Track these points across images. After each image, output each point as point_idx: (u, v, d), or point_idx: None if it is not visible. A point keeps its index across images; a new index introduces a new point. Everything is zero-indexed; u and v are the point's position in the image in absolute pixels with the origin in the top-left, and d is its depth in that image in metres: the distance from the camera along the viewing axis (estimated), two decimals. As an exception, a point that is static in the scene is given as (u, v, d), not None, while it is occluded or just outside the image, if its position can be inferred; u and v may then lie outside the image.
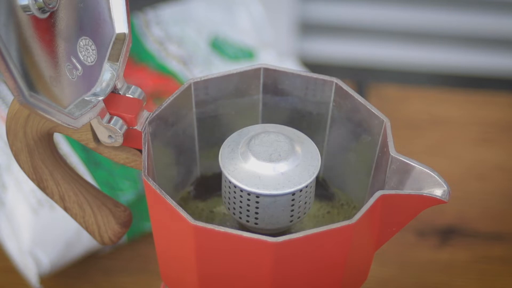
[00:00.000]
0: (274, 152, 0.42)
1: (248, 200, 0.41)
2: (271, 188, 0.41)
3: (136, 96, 0.43)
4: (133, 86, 0.43)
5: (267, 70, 0.45)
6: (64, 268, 0.59)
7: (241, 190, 0.41)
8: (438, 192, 0.41)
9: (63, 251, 0.58)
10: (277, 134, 0.42)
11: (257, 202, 0.41)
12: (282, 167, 0.41)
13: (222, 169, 0.42)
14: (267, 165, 0.41)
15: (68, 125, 0.39)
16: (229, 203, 0.43)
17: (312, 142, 0.43)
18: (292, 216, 0.42)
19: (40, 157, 0.44)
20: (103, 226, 0.47)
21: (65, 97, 0.39)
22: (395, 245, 0.61)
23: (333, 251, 0.40)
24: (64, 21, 0.39)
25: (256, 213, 0.42)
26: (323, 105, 0.45)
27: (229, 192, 0.42)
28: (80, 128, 0.40)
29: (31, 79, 0.37)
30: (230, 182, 0.41)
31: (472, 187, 0.66)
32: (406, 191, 0.41)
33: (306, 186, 0.41)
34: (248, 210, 0.42)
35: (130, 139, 0.43)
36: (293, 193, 0.41)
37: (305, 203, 0.42)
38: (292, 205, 0.42)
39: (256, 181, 0.41)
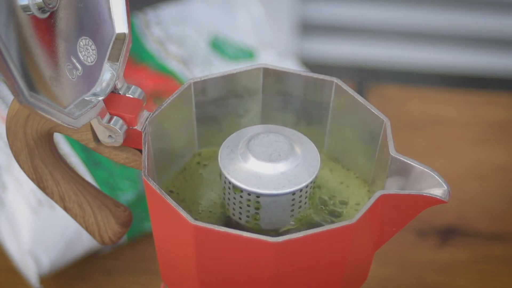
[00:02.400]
0: (274, 152, 0.42)
1: (248, 200, 0.41)
2: (271, 188, 0.41)
3: (136, 96, 0.43)
4: (133, 86, 0.43)
5: (267, 70, 0.45)
6: (64, 268, 0.59)
7: (241, 190, 0.41)
8: (438, 192, 0.41)
9: (63, 251, 0.58)
10: (277, 135, 0.42)
11: (257, 202, 0.41)
12: (282, 167, 0.41)
13: (222, 169, 0.42)
14: (267, 165, 0.41)
15: (68, 125, 0.39)
16: (228, 204, 0.43)
17: (312, 143, 0.43)
18: (292, 216, 0.42)
19: (40, 157, 0.44)
20: (103, 226, 0.47)
21: (65, 97, 0.39)
22: (395, 245, 0.61)
23: (333, 251, 0.40)
24: (64, 21, 0.39)
25: (256, 213, 0.42)
26: (323, 105, 0.45)
27: (229, 193, 0.42)
28: (80, 128, 0.40)
29: (31, 79, 0.37)
30: (230, 182, 0.41)
31: (472, 187, 0.66)
32: (406, 191, 0.41)
33: (306, 186, 0.41)
34: (248, 211, 0.42)
35: (130, 139, 0.43)
36: (293, 193, 0.41)
37: (305, 203, 0.42)
38: (292, 205, 0.42)
39: (256, 181, 0.41)
